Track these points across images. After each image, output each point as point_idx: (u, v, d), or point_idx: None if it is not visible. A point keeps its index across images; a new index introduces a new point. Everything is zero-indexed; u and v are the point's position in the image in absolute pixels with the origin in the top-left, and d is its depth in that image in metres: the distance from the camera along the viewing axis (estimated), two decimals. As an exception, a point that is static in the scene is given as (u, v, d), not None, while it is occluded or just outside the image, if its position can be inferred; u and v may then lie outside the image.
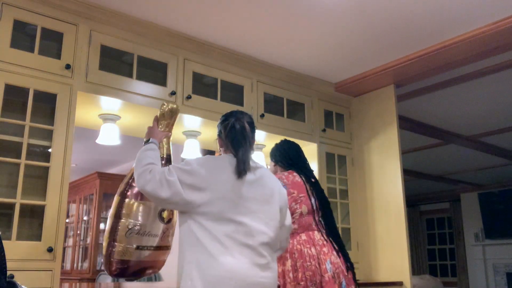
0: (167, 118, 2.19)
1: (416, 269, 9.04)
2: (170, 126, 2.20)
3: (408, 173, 6.75)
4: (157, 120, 2.16)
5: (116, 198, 2.12)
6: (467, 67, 3.44)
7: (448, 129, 5.07)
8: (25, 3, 2.42)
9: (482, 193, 8.33)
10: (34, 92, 2.39)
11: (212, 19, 2.81)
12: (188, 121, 3.03)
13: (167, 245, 2.14)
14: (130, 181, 2.08)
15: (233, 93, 3.26)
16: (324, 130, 3.64)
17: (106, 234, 2.07)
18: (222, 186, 1.72)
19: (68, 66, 2.48)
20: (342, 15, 2.76)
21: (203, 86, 3.17)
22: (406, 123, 4.56)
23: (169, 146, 2.20)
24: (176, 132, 3.23)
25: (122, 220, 2.05)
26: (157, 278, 5.29)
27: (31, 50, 2.42)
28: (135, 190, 2.05)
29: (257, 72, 3.33)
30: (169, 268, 5.49)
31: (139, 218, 2.06)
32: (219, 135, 1.92)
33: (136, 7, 2.67)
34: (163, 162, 2.13)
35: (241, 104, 3.20)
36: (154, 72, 2.97)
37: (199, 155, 3.25)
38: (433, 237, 9.49)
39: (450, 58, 3.18)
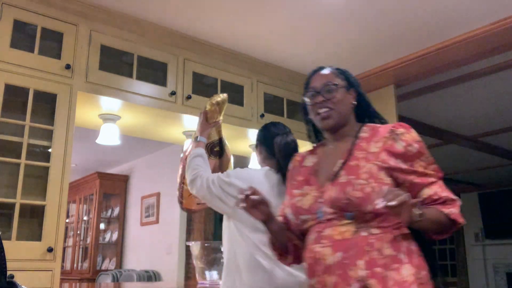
0: (217, 109, 2.22)
1: (416, 269, 9.03)
2: (218, 116, 2.25)
3: (408, 173, 6.74)
4: (205, 113, 2.20)
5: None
6: (467, 67, 3.44)
7: (448, 129, 5.07)
8: (25, 3, 2.41)
9: (482, 193, 8.34)
10: (34, 92, 2.39)
11: (212, 19, 2.81)
12: (188, 121, 3.03)
13: None
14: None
15: (233, 93, 3.26)
16: (324, 130, 3.64)
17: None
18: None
19: (68, 66, 2.48)
20: (342, 16, 2.76)
21: (203, 86, 3.17)
22: (406, 123, 4.56)
23: (220, 131, 2.28)
24: (176, 132, 3.24)
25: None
26: (157, 278, 5.30)
27: (31, 50, 2.42)
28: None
29: (257, 72, 3.33)
30: (169, 268, 5.51)
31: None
32: (263, 145, 2.04)
33: (136, 7, 2.67)
34: (215, 147, 2.25)
35: (241, 104, 3.20)
36: (154, 72, 2.97)
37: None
38: (433, 237, 9.49)
39: (450, 58, 3.18)
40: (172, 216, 5.33)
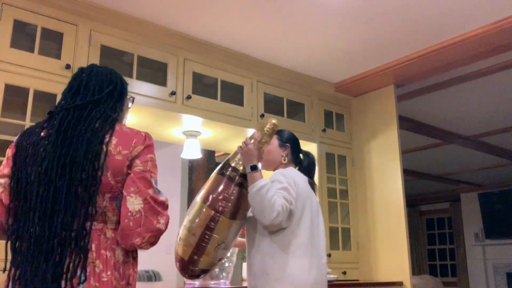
0: (268, 137, 2.05)
1: (416, 269, 9.04)
2: (266, 144, 2.07)
3: (408, 173, 6.75)
4: (258, 139, 2.02)
5: (201, 205, 1.98)
6: (467, 67, 3.44)
7: (448, 129, 5.07)
8: (25, 3, 2.41)
9: (482, 193, 8.34)
10: (34, 92, 2.38)
11: (212, 19, 2.81)
12: (188, 121, 3.03)
13: None
14: (227, 196, 1.96)
15: (233, 93, 3.26)
16: (324, 130, 3.65)
17: (192, 244, 1.97)
18: (308, 201, 2.05)
19: (68, 66, 2.48)
20: (342, 15, 2.76)
21: (203, 86, 3.17)
22: (406, 123, 4.56)
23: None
24: (176, 132, 3.24)
25: (214, 235, 1.96)
26: (157, 278, 5.30)
27: (31, 50, 2.42)
28: (228, 207, 1.96)
29: (257, 72, 3.33)
30: (169, 268, 5.49)
31: (229, 235, 2.01)
32: (293, 148, 2.20)
33: (136, 7, 2.67)
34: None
35: (241, 104, 3.20)
36: (154, 72, 2.97)
37: (199, 155, 3.26)
38: (433, 237, 9.50)
39: (450, 58, 3.19)
40: (172, 216, 5.33)
